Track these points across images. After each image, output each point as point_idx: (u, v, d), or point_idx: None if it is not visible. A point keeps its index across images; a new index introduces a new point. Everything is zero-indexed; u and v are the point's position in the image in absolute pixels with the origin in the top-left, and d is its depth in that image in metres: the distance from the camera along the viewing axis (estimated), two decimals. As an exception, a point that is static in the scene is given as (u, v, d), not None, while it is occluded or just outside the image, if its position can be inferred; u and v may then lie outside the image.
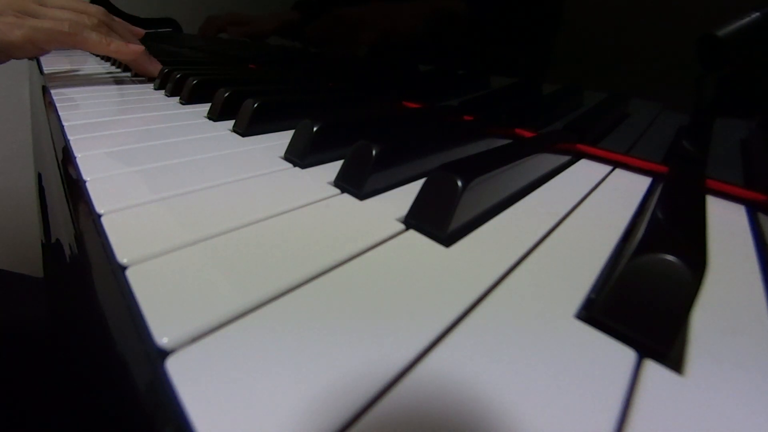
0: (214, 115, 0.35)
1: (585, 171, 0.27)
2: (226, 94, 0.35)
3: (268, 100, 0.32)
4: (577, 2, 0.28)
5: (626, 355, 0.11)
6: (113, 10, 0.58)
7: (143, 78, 0.57)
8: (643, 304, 0.12)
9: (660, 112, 0.27)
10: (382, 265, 0.15)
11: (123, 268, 0.13)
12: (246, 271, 0.14)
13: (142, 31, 0.60)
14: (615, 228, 0.19)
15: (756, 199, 0.23)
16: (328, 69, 0.54)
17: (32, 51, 0.45)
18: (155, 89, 0.49)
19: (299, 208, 0.19)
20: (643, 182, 0.26)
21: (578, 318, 0.13)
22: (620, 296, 0.12)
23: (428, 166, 0.24)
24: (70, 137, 0.27)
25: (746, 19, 0.22)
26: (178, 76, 0.45)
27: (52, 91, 0.45)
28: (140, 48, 0.52)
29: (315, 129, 0.25)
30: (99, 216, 0.17)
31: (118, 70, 0.68)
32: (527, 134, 0.33)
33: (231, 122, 0.34)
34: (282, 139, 0.30)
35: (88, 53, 0.93)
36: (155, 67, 0.55)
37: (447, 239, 0.17)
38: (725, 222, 0.21)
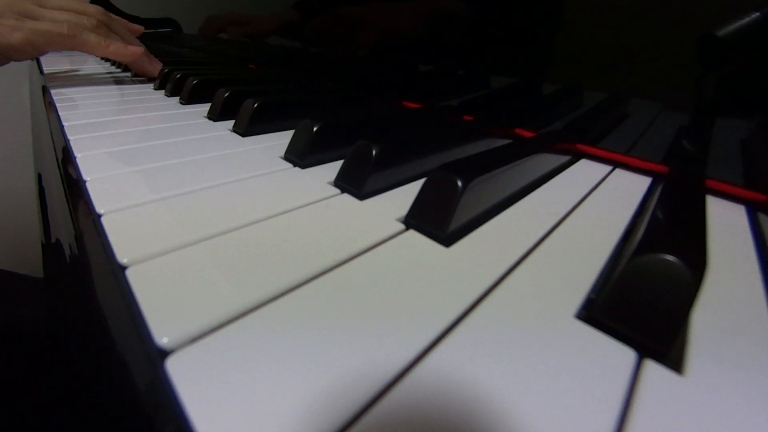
0: (214, 115, 0.35)
1: (585, 171, 0.27)
2: (226, 94, 0.36)
3: (268, 100, 0.32)
4: (577, 2, 0.28)
5: (626, 355, 0.11)
6: (113, 11, 0.58)
7: (143, 78, 0.57)
8: (643, 304, 0.12)
9: (660, 112, 0.27)
10: (382, 265, 0.15)
11: (123, 268, 0.13)
12: (246, 271, 0.14)
13: (141, 28, 0.60)
14: (615, 228, 0.19)
15: (756, 199, 0.23)
16: (328, 69, 0.54)
17: (32, 53, 0.45)
18: (155, 89, 0.49)
19: (299, 208, 0.19)
20: (643, 182, 0.26)
21: (578, 318, 0.13)
22: (620, 296, 0.12)
23: (428, 166, 0.24)
24: (70, 137, 0.27)
25: (746, 19, 0.22)
26: (178, 76, 0.45)
27: (52, 91, 0.45)
28: (139, 49, 0.52)
29: (315, 129, 0.25)
30: (99, 216, 0.17)
31: (118, 70, 0.68)
32: (527, 134, 0.33)
33: (231, 122, 0.34)
34: (282, 139, 0.30)
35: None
36: (155, 67, 0.55)
37: (447, 239, 0.17)
38: (725, 222, 0.21)
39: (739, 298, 0.14)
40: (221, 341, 0.11)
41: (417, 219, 0.18)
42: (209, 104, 0.37)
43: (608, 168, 0.28)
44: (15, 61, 0.45)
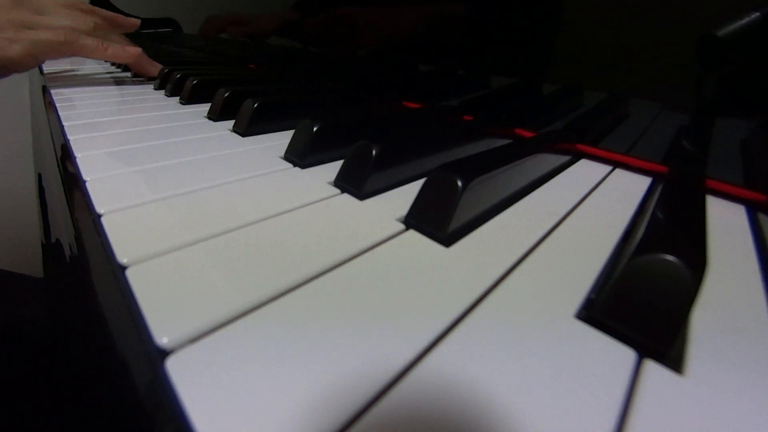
0: (214, 115, 0.35)
1: (585, 171, 0.27)
2: (226, 94, 0.36)
3: (268, 100, 0.32)
4: (577, 2, 0.28)
5: (626, 355, 0.11)
6: (113, 11, 0.58)
7: (143, 78, 0.57)
8: (643, 304, 0.12)
9: (660, 112, 0.27)
10: (382, 265, 0.15)
11: (123, 268, 0.13)
12: (246, 271, 0.14)
13: (137, 22, 0.60)
14: (615, 228, 0.19)
15: (756, 199, 0.23)
16: (328, 69, 0.54)
17: (32, 64, 0.45)
18: (155, 89, 0.49)
19: (299, 208, 0.19)
20: (643, 182, 0.26)
21: (578, 318, 0.13)
22: (620, 296, 0.12)
23: (428, 166, 0.24)
24: (70, 137, 0.27)
25: (746, 19, 0.22)
26: (178, 76, 0.45)
27: (52, 91, 0.45)
28: (137, 51, 0.52)
29: (315, 129, 0.25)
30: (99, 216, 0.17)
31: (118, 70, 0.68)
32: (527, 134, 0.33)
33: (231, 122, 0.34)
34: (282, 139, 0.30)
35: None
36: (155, 68, 0.55)
37: (447, 239, 0.17)
38: (725, 222, 0.21)
39: (739, 298, 0.14)
40: (221, 341, 0.11)
41: (417, 219, 0.18)
42: (209, 104, 0.37)
43: (608, 168, 0.28)
44: (17, 72, 0.44)
